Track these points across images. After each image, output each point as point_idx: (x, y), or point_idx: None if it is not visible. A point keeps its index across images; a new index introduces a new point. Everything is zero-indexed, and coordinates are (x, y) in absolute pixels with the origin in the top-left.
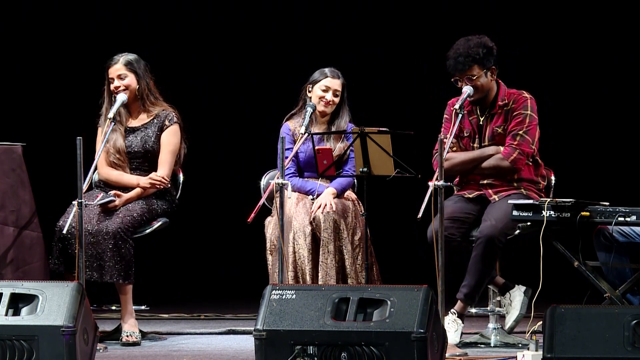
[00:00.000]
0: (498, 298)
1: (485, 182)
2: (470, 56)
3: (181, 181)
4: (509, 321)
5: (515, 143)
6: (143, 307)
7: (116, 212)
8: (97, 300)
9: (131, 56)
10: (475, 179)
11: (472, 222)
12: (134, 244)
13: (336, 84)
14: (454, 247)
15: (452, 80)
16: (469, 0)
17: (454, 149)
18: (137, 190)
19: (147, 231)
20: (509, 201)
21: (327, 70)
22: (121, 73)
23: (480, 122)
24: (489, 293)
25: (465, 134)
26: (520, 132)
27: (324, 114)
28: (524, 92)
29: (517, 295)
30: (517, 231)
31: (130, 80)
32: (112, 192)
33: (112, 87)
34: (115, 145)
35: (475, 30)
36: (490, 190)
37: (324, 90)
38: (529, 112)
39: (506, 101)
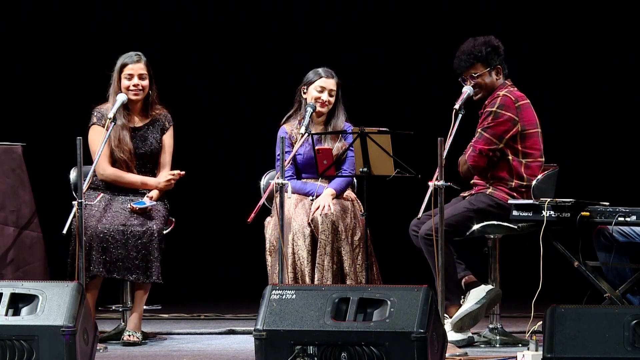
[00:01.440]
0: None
1: (472, 181)
2: (472, 54)
3: None
4: (451, 319)
5: (473, 141)
6: (149, 307)
7: (150, 213)
8: (97, 301)
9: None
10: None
11: None
12: None
13: (331, 83)
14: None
15: (459, 79)
16: (469, 0)
17: None
18: (157, 191)
19: (168, 230)
20: (472, 200)
21: (320, 70)
22: (143, 73)
23: None
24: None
25: None
26: (479, 130)
27: (320, 114)
28: (505, 90)
29: (474, 293)
30: (468, 233)
31: (147, 82)
32: (148, 195)
33: (128, 84)
34: (127, 146)
35: (475, 31)
36: (473, 190)
37: (319, 91)
38: (494, 109)
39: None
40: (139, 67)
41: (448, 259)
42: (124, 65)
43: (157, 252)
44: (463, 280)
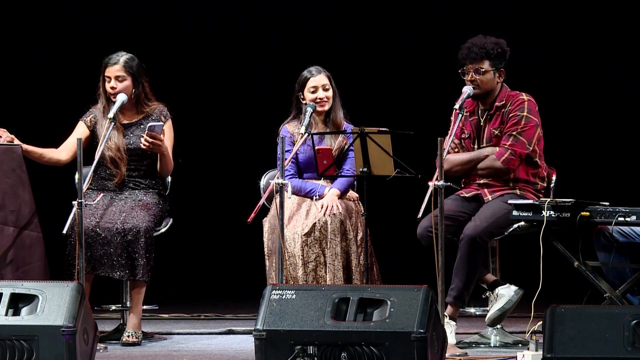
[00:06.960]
0: (487, 294)
1: (482, 181)
2: (484, 49)
3: (169, 180)
4: (489, 314)
5: (508, 144)
6: (147, 307)
7: (139, 211)
8: (97, 300)
9: (129, 57)
10: (474, 179)
11: (464, 221)
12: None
13: (321, 79)
14: (445, 244)
15: (460, 71)
16: (469, 1)
17: (456, 150)
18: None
19: (162, 230)
20: (507, 201)
21: (306, 72)
22: (119, 75)
23: (481, 124)
24: (488, 294)
25: (466, 135)
26: (514, 133)
27: (320, 113)
28: (523, 93)
29: (505, 291)
30: (510, 230)
31: (127, 83)
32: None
33: (107, 86)
34: (116, 142)
35: (476, 31)
36: (486, 190)
37: (313, 92)
38: (525, 113)
39: (503, 102)
40: (116, 69)
41: (479, 262)
42: (104, 68)
43: (143, 250)
44: (485, 279)
